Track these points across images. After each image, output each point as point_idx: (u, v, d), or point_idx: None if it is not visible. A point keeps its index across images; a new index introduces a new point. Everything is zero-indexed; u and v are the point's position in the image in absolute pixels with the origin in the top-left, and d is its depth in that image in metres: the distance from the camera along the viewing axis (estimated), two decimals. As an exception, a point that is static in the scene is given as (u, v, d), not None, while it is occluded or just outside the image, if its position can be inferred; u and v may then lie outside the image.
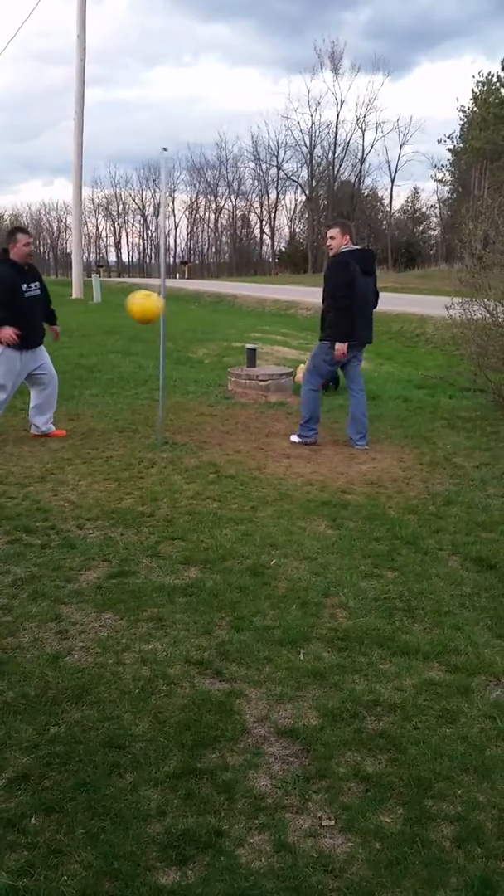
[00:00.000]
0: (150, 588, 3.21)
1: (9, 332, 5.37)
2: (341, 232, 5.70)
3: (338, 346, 5.64)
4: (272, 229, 63.33)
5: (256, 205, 64.60)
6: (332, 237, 5.74)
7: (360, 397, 5.90)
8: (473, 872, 1.77)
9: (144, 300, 5.28)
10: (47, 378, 5.82)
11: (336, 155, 54.90)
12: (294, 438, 5.92)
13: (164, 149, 5.57)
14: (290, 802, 2.00)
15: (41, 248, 77.44)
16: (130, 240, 77.42)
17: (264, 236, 65.83)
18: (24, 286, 5.51)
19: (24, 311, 5.50)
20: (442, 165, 51.33)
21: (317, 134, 56.98)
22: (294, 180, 59.75)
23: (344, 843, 1.86)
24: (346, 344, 5.64)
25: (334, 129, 54.41)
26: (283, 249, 64.04)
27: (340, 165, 55.88)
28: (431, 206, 57.31)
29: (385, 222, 57.76)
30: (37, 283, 5.64)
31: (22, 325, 5.43)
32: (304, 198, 59.71)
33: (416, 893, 1.71)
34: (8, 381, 5.61)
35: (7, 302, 5.39)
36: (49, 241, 78.77)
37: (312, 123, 65.51)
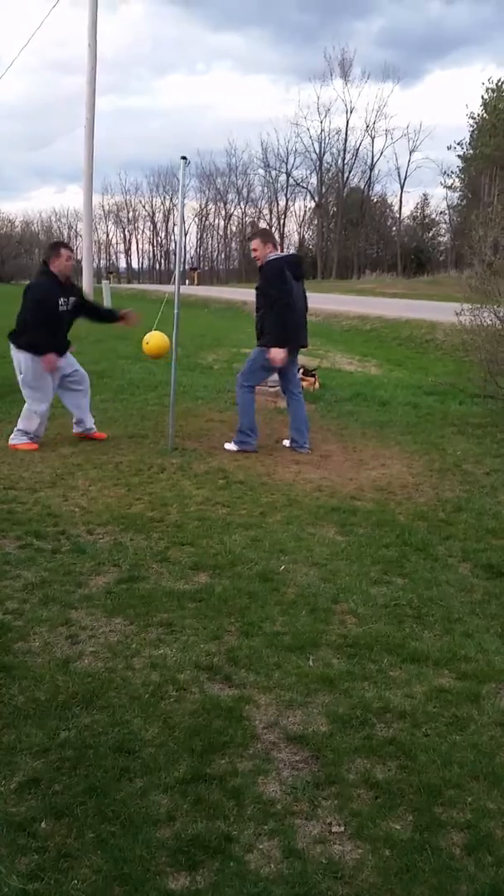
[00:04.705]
0: (160, 593, 3.22)
1: (50, 359, 5.54)
2: (262, 242, 5.71)
3: (273, 351, 5.56)
4: (281, 236, 63.24)
5: (266, 212, 64.75)
6: (254, 248, 5.73)
7: (299, 399, 5.93)
8: (483, 881, 1.76)
9: (157, 342, 5.68)
10: (80, 376, 5.91)
11: (346, 162, 55.07)
12: (229, 446, 5.81)
13: (184, 157, 5.49)
14: (300, 809, 1.99)
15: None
16: (140, 246, 77.86)
17: (274, 243, 65.85)
18: (62, 301, 5.60)
19: (54, 324, 5.59)
20: (451, 172, 51.25)
21: (326, 141, 57.09)
22: (303, 187, 59.88)
23: (353, 850, 1.85)
24: (286, 350, 5.58)
25: (344, 136, 54.59)
26: (293, 256, 63.89)
27: (350, 172, 56.04)
28: (441, 213, 57.18)
29: (394, 228, 57.71)
30: (72, 299, 5.71)
31: (49, 337, 5.55)
32: (313, 204, 59.89)
33: (426, 901, 1.71)
34: (42, 385, 5.67)
35: (45, 316, 5.50)
36: (59, 247, 79.12)
37: (322, 130, 65.82)
